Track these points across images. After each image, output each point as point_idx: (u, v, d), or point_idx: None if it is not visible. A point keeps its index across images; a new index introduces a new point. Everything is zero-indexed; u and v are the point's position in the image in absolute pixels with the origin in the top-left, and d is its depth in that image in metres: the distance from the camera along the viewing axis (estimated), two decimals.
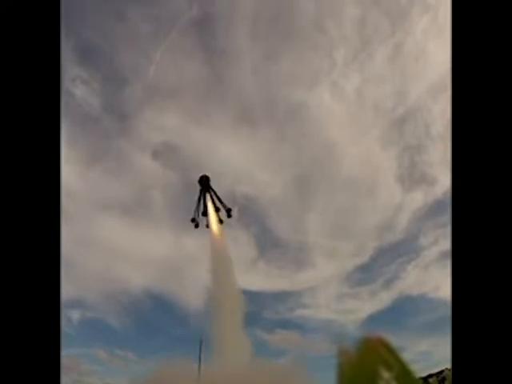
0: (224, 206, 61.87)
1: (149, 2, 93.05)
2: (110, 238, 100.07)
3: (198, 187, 73.32)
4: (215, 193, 61.15)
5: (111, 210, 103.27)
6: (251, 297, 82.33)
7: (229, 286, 59.74)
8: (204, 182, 59.12)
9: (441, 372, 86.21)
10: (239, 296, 61.42)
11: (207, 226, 60.90)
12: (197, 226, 60.67)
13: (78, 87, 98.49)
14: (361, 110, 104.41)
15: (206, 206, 60.18)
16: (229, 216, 60.60)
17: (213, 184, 77.78)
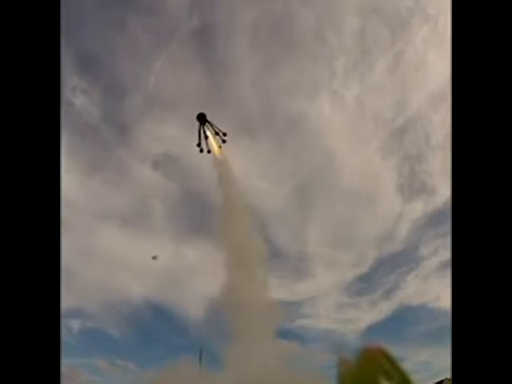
0: (220, 131, 64.41)
1: (149, 13, 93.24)
2: (110, 247, 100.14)
3: (197, 195, 74.22)
4: (212, 125, 63.22)
5: (111, 220, 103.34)
6: None
7: (236, 201, 61.09)
8: (201, 117, 61.41)
9: (441, 382, 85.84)
10: (248, 209, 62.73)
11: (208, 151, 62.81)
12: (201, 150, 62.82)
13: (77, 97, 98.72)
14: (361, 119, 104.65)
15: (205, 133, 62.31)
16: (223, 141, 63.19)
17: (213, 194, 78.42)
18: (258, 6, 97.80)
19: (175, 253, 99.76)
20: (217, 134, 63.07)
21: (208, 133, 62.45)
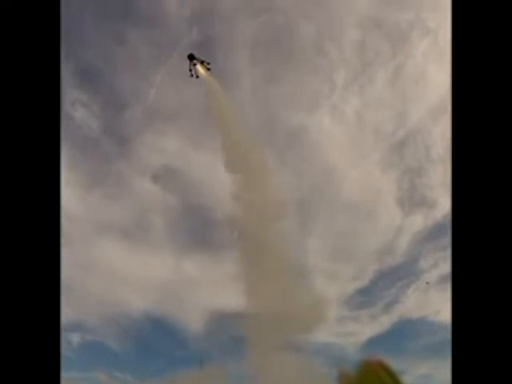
0: (205, 61, 67.37)
1: (149, 25, 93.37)
2: (109, 261, 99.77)
3: (197, 208, 75.05)
4: (198, 58, 65.30)
5: (111, 233, 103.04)
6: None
7: (231, 117, 62.28)
8: (191, 56, 64.06)
9: None
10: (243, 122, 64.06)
11: (197, 76, 65.09)
12: (191, 75, 65.19)
13: (77, 110, 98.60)
14: (361, 133, 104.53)
15: (194, 64, 64.81)
16: (208, 69, 66.04)
17: (213, 208, 78.80)
18: (258, 18, 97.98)
19: (175, 266, 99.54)
20: (202, 62, 65.28)
21: (196, 62, 64.68)
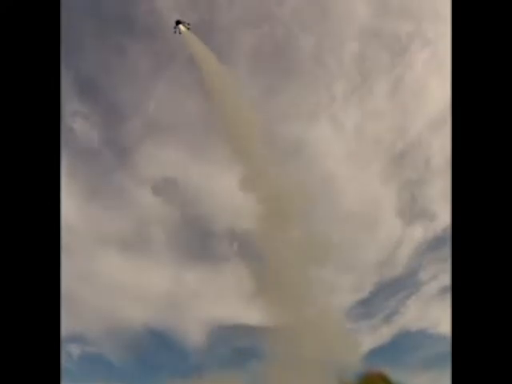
0: (186, 22, 69.57)
1: (148, 37, 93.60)
2: (109, 272, 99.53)
3: (197, 219, 76.10)
4: (180, 21, 67.31)
5: (111, 245, 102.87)
6: (251, 332, 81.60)
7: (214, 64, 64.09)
8: (178, 22, 66.07)
9: None
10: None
11: (180, 32, 66.70)
12: (175, 32, 67.69)
13: (77, 122, 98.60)
14: (361, 144, 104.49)
15: (177, 24, 67.10)
16: (188, 28, 68.35)
17: (213, 220, 79.20)
18: (257, 30, 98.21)
19: (175, 277, 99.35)
20: (183, 24, 67.21)
21: (180, 25, 66.56)
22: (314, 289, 63.65)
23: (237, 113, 63.68)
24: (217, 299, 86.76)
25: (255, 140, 62.47)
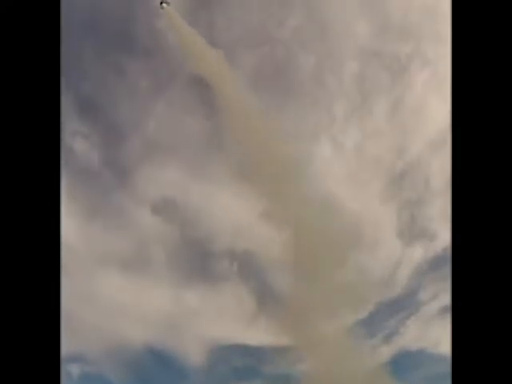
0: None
1: (148, 56, 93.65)
2: (109, 292, 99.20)
3: (197, 239, 76.31)
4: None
5: (111, 265, 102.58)
6: (251, 351, 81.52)
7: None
8: (161, 2, 67.38)
9: None
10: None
11: (162, 8, 67.84)
12: (161, 9, 68.39)
13: (77, 142, 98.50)
14: (360, 164, 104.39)
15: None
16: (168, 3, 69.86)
17: (213, 239, 79.54)
18: (257, 50, 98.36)
19: (175, 297, 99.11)
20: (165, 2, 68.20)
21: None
22: (314, 308, 63.75)
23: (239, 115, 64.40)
24: (217, 319, 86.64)
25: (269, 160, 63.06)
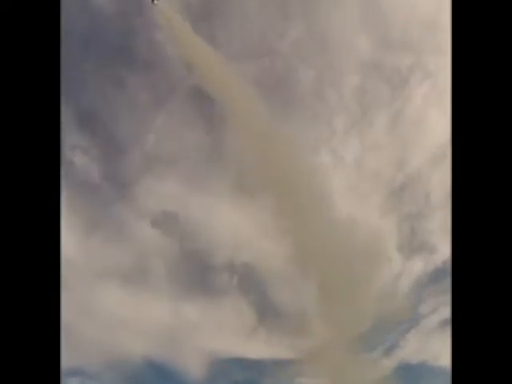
0: None
1: (148, 70, 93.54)
2: (109, 305, 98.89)
3: (196, 252, 76.55)
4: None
5: (111, 278, 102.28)
6: (251, 365, 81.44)
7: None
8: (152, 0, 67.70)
9: None
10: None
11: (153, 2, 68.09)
12: (152, 3, 68.48)
13: (77, 155, 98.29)
14: (360, 178, 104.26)
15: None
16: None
17: (213, 253, 79.74)
18: (257, 63, 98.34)
19: (175, 311, 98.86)
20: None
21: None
22: (314, 321, 63.91)
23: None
24: (217, 332, 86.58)
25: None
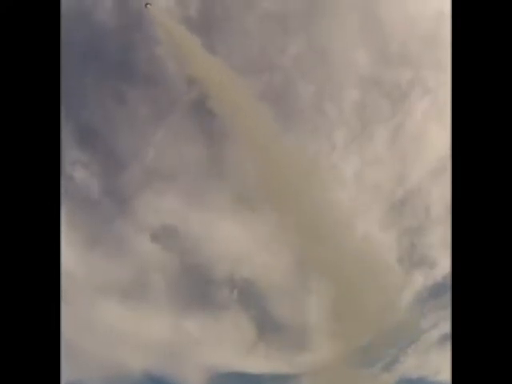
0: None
1: (148, 84, 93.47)
2: (109, 320, 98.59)
3: (196, 267, 77.19)
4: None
5: (111, 293, 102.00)
6: (251, 379, 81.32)
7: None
8: (146, 4, 67.84)
9: None
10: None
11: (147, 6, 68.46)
12: (145, 6, 68.84)
13: (77, 170, 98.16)
14: (360, 192, 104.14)
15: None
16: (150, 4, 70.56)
17: (213, 267, 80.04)
18: (257, 78, 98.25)
19: (175, 325, 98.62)
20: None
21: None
22: (314, 336, 63.94)
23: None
24: (216, 347, 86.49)
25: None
